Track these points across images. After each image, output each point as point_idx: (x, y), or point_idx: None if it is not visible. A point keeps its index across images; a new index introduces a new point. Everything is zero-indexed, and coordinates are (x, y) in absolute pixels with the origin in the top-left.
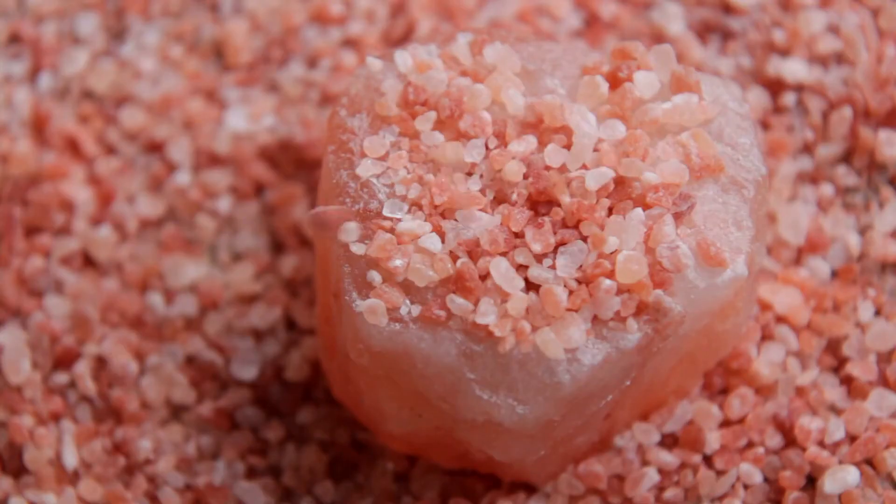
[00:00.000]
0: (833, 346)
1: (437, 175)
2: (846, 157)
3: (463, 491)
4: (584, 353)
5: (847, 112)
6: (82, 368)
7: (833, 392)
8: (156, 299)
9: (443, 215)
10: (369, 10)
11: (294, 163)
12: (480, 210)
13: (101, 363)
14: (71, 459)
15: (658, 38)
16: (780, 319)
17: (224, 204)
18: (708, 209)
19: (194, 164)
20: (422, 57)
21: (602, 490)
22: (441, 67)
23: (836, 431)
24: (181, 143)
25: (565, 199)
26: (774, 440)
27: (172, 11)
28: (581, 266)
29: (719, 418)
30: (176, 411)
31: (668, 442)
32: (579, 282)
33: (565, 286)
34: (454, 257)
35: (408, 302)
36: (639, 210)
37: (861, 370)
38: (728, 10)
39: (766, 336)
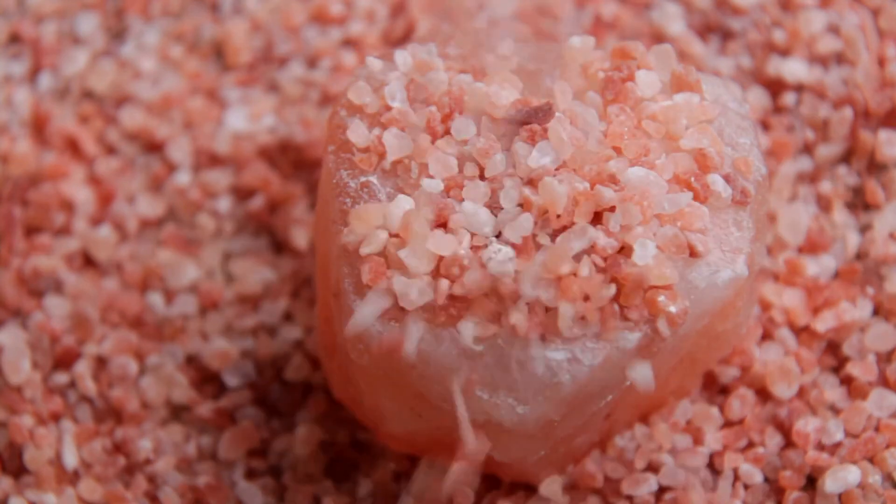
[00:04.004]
0: (833, 346)
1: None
2: (846, 157)
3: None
4: (584, 353)
5: (847, 112)
6: (82, 368)
7: (833, 392)
8: (156, 299)
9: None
10: (369, 10)
11: (294, 163)
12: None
13: (101, 363)
14: (71, 459)
15: (658, 38)
16: (781, 319)
17: (224, 204)
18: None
19: (194, 164)
20: (422, 57)
21: (602, 490)
22: (441, 67)
23: (836, 431)
24: (181, 143)
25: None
26: (774, 440)
27: (172, 11)
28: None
29: (719, 419)
30: (176, 411)
31: (668, 442)
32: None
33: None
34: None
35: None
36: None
37: (861, 370)
38: (728, 10)
39: (766, 336)
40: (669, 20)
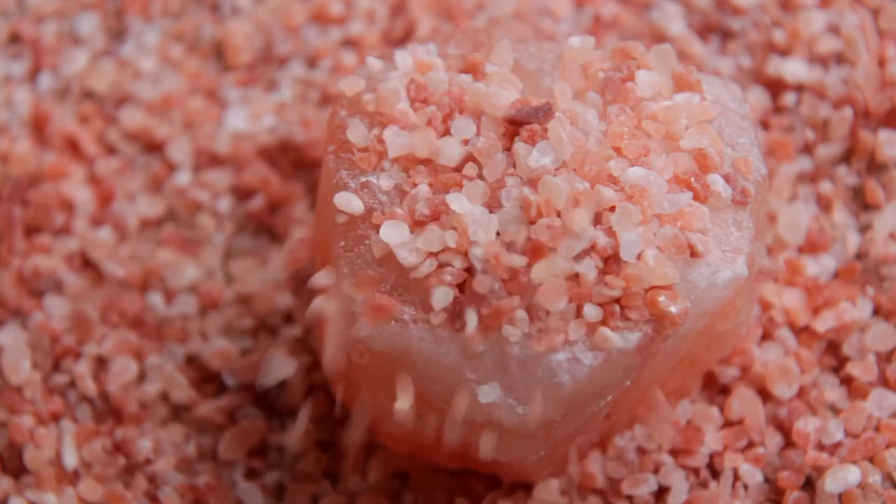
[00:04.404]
0: (833, 346)
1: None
2: (846, 157)
3: (463, 491)
4: (584, 353)
5: (847, 112)
6: (82, 368)
7: (833, 392)
8: (156, 299)
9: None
10: (369, 10)
11: (294, 163)
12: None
13: (101, 363)
14: (71, 459)
15: (658, 38)
16: (781, 319)
17: (224, 204)
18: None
19: (194, 164)
20: (422, 57)
21: (602, 490)
22: (441, 67)
23: (836, 431)
24: (181, 143)
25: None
26: (774, 440)
27: (172, 11)
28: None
29: (719, 419)
30: (176, 411)
31: (668, 442)
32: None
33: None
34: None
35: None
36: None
37: (861, 370)
38: (728, 10)
39: (767, 336)
40: (669, 20)
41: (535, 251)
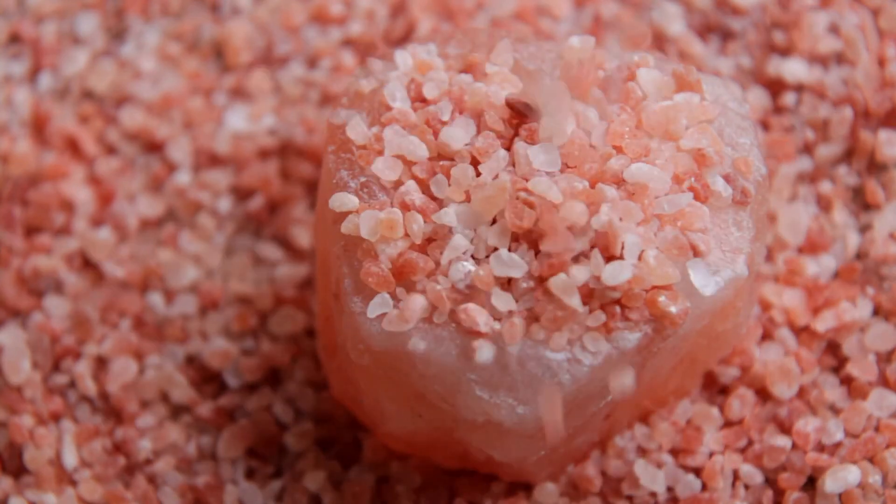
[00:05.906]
0: (833, 346)
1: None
2: (846, 157)
3: (463, 491)
4: (584, 353)
5: (847, 112)
6: (82, 368)
7: (833, 392)
8: (156, 299)
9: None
10: (369, 10)
11: (294, 163)
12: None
13: (101, 363)
14: (71, 459)
15: (658, 38)
16: (781, 319)
17: (224, 204)
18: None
19: (194, 164)
20: (422, 57)
21: (602, 491)
22: (441, 67)
23: (836, 431)
24: (181, 143)
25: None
26: (774, 440)
27: (172, 11)
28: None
29: (719, 419)
30: (176, 411)
31: (668, 442)
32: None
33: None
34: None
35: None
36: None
37: (861, 370)
38: (728, 10)
39: (767, 336)
40: (669, 20)
41: (551, 267)
